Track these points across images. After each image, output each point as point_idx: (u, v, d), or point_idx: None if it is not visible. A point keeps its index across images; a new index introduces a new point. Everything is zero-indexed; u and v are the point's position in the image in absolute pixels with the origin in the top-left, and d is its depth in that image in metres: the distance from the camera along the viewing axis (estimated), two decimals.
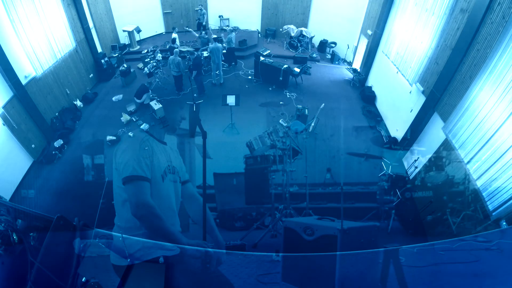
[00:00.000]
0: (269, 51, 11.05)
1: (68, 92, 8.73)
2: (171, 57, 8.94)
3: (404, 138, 7.38)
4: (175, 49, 9.31)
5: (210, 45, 9.35)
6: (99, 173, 6.44)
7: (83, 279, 3.36)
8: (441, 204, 5.14)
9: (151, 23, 12.31)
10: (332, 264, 2.91)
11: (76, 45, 9.11)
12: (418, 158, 6.14)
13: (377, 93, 9.52)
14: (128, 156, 2.55)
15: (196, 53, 9.52)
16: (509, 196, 4.06)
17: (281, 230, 3.59)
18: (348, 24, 11.25)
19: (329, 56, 12.04)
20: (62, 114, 8.40)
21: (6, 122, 6.49)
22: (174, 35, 10.70)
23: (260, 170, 5.75)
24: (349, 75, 10.95)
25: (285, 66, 9.79)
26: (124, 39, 11.90)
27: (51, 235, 3.35)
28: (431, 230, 5.01)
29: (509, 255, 3.51)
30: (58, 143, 7.66)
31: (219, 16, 13.04)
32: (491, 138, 4.57)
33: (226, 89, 7.49)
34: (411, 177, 6.26)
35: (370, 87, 9.78)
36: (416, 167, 5.99)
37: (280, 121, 8.67)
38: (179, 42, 10.93)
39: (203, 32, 11.75)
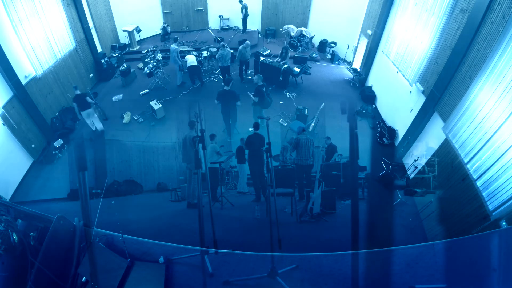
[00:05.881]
0: (269, 51, 11.06)
1: (71, 97, 8.75)
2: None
3: (404, 137, 7.39)
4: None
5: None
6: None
7: (83, 279, 3.37)
8: (440, 204, 5.14)
9: (151, 23, 12.31)
10: None
11: (76, 45, 9.11)
12: (418, 158, 6.15)
13: (377, 93, 9.52)
14: None
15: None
16: (509, 196, 4.05)
17: None
18: (348, 24, 11.26)
19: (329, 56, 12.05)
20: (62, 114, 8.40)
21: (6, 122, 6.49)
22: None
23: None
24: (349, 75, 10.95)
25: (285, 66, 9.80)
26: (124, 39, 11.91)
27: (51, 235, 3.36)
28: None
29: (509, 255, 3.51)
30: (58, 143, 7.67)
31: (219, 16, 13.05)
32: (491, 138, 4.56)
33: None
34: (411, 177, 6.27)
35: (370, 87, 9.79)
36: (416, 167, 5.99)
37: (280, 121, 8.70)
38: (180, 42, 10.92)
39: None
